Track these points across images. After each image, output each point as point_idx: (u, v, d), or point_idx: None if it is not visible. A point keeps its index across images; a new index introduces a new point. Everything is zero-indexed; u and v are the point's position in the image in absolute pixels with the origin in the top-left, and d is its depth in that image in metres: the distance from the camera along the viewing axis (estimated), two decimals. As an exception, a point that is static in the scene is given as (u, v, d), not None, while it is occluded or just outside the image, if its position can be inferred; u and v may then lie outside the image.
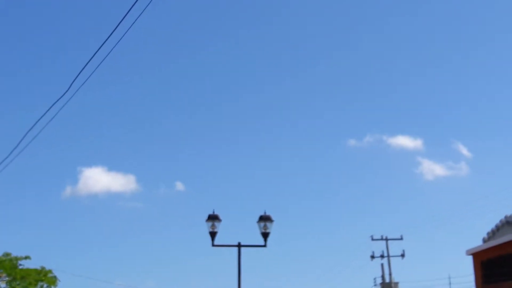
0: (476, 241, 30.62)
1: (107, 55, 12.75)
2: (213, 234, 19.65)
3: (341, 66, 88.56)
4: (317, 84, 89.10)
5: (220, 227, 19.73)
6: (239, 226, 58.78)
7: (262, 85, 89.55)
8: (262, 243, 19.89)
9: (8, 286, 41.77)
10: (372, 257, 47.17)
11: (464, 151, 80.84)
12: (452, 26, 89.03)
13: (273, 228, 19.95)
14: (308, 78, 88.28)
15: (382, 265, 46.92)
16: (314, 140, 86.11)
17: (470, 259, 29.05)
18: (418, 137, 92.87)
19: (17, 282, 41.69)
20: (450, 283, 40.98)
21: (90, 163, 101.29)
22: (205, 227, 19.70)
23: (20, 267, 42.68)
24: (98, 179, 76.14)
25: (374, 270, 64.49)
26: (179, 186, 79.77)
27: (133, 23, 11.60)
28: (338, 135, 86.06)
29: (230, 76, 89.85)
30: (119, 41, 12.23)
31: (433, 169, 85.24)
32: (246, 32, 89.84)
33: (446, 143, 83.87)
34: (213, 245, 19.69)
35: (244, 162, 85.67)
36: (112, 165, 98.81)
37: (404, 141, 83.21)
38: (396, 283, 46.12)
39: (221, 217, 19.76)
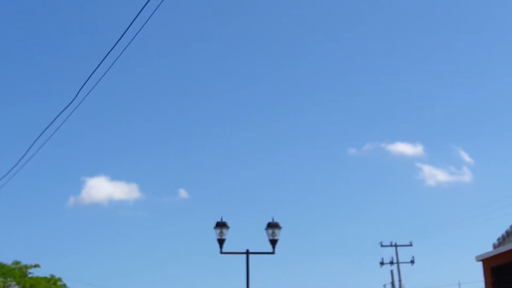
0: (486, 247, 30.60)
1: (111, 66, 12.83)
2: (221, 242, 19.66)
3: (335, 77, 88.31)
4: (313, 94, 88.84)
5: (227, 235, 19.75)
6: (246, 233, 58.61)
7: (269, 92, 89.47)
8: (271, 250, 19.88)
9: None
10: (382, 263, 46.93)
11: (466, 156, 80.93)
12: (452, 28, 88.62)
13: (281, 235, 19.97)
14: (306, 90, 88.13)
15: (391, 271, 46.66)
16: (316, 150, 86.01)
17: (480, 265, 28.88)
18: (418, 143, 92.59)
19: (27, 291, 41.75)
20: (460, 290, 40.92)
21: (93, 172, 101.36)
22: (213, 235, 19.73)
23: (30, 275, 42.80)
24: (101, 188, 76.17)
25: (383, 276, 64.32)
26: (183, 193, 79.73)
27: (136, 34, 11.66)
28: (338, 145, 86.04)
29: (236, 81, 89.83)
30: (122, 52, 12.30)
31: (434, 174, 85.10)
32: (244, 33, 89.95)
33: (447, 149, 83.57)
34: (221, 252, 19.69)
35: (248, 169, 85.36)
36: (115, 174, 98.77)
37: (404, 148, 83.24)
38: (406, 290, 45.88)
39: (228, 224, 19.79)
